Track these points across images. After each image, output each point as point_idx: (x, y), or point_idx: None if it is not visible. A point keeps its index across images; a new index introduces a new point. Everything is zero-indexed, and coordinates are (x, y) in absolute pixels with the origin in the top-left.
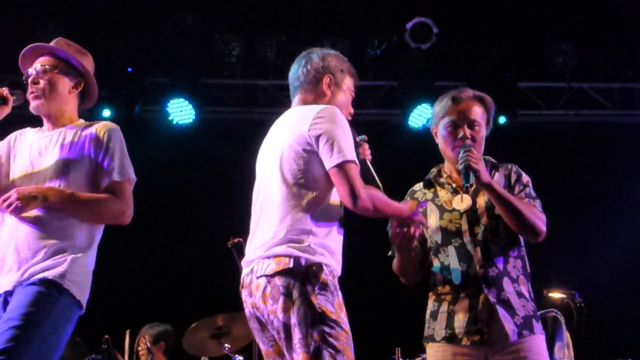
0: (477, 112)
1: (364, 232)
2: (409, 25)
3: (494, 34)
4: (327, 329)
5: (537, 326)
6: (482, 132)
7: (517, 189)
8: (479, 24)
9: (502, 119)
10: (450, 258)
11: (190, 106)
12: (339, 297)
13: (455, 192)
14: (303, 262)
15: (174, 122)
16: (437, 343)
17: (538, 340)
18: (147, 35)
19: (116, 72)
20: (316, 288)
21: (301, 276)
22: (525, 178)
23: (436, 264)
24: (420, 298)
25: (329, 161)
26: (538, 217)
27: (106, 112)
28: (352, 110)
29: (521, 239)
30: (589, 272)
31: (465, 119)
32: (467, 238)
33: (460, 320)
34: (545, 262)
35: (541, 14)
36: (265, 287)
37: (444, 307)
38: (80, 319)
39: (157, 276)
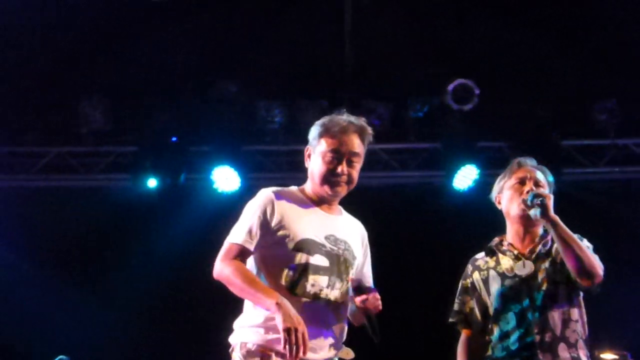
0: (541, 177)
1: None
2: (450, 87)
3: (536, 94)
4: None
5: None
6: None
7: None
8: (521, 84)
9: None
10: (509, 324)
11: (236, 173)
12: None
13: (517, 258)
14: (231, 345)
15: (219, 190)
16: None
17: None
18: (190, 104)
19: (160, 141)
20: None
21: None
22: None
23: (496, 331)
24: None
25: None
26: (597, 260)
27: (152, 182)
28: (340, 172)
29: (582, 302)
30: None
31: (531, 178)
32: (526, 304)
33: None
34: (595, 323)
35: (584, 73)
36: None
37: None
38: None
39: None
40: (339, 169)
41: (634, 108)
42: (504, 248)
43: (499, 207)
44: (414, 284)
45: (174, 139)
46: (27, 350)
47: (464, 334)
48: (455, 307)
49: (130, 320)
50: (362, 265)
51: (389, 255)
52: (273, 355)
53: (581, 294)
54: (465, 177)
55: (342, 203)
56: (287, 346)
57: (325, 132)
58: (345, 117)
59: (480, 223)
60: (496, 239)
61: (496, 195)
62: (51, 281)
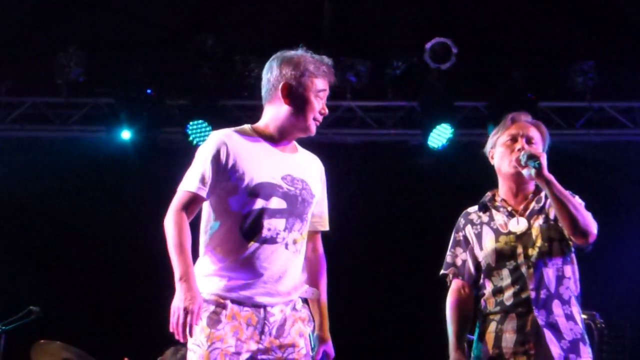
0: (535, 133)
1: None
2: (428, 45)
3: (513, 54)
4: (188, 353)
5: (584, 350)
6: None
7: None
8: (499, 44)
9: None
10: (503, 281)
11: (210, 128)
12: (201, 321)
13: (510, 215)
14: None
15: (194, 143)
16: None
17: None
18: (167, 57)
19: (136, 94)
20: None
21: None
22: None
23: (489, 285)
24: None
25: None
26: (591, 219)
27: (126, 134)
28: (325, 111)
29: (574, 259)
30: (609, 292)
31: (524, 135)
32: (521, 260)
33: (508, 340)
34: None
35: (561, 34)
36: None
37: (492, 327)
38: (98, 341)
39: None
40: (325, 109)
41: (611, 70)
42: (497, 204)
43: (492, 162)
44: (388, 239)
45: (149, 91)
46: None
47: (454, 284)
48: (448, 259)
49: (101, 272)
50: (320, 203)
51: (364, 210)
52: (229, 302)
53: (574, 250)
54: (440, 135)
55: (321, 159)
56: (172, 324)
57: (316, 71)
58: (314, 55)
59: (453, 182)
60: (489, 194)
61: (489, 150)
62: (21, 231)
